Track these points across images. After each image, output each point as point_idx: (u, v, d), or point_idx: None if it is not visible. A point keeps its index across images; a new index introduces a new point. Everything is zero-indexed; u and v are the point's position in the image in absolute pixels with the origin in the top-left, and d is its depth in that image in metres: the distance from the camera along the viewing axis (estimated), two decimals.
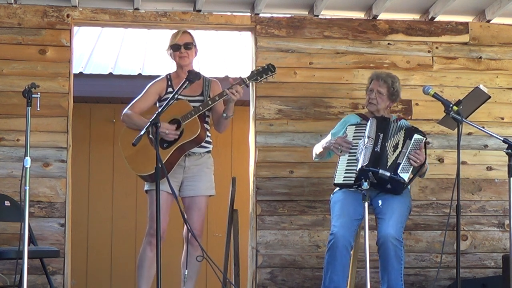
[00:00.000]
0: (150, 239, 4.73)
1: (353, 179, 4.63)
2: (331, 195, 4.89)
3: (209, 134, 4.96)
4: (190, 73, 4.44)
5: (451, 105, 4.30)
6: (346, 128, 4.85)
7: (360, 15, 5.96)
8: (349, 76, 5.81)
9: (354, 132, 4.78)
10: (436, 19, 5.94)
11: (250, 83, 4.99)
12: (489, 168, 5.90)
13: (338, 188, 4.81)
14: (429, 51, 5.95)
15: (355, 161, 4.65)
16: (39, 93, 4.10)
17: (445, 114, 4.38)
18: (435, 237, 5.78)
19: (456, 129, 4.29)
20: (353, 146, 4.71)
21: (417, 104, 5.87)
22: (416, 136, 4.66)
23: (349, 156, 4.72)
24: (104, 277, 8.10)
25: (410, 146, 4.63)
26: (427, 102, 5.70)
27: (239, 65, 8.00)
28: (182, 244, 4.91)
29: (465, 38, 5.99)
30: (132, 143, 4.06)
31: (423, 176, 4.97)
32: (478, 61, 5.99)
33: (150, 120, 4.13)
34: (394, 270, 4.49)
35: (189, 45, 4.93)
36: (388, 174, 4.56)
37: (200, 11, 5.73)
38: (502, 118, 5.95)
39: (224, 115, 4.83)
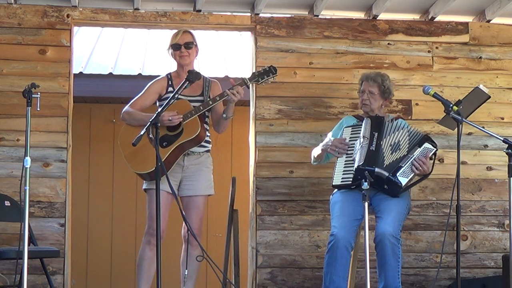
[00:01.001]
0: (150, 238, 4.74)
1: (351, 179, 4.64)
2: (331, 195, 4.89)
3: (209, 134, 4.96)
4: (190, 73, 4.44)
5: (451, 105, 4.30)
6: (343, 130, 4.88)
7: (360, 15, 5.96)
8: (349, 76, 5.81)
9: (351, 134, 4.80)
10: (436, 19, 5.94)
11: (251, 84, 5.00)
12: (489, 168, 5.90)
13: (337, 189, 4.82)
14: (429, 51, 5.95)
15: (353, 161, 4.67)
16: (39, 93, 4.10)
17: (445, 114, 4.39)
18: (435, 237, 5.78)
19: (456, 129, 4.30)
20: (349, 147, 4.74)
21: (417, 104, 5.87)
22: (426, 144, 4.66)
23: (346, 157, 4.74)
24: (104, 277, 8.10)
25: (417, 153, 4.63)
26: (427, 102, 5.70)
27: (239, 65, 8.01)
28: (181, 243, 4.91)
29: (465, 38, 5.99)
30: (132, 143, 4.07)
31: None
32: (478, 61, 5.99)
33: (150, 120, 4.14)
34: (391, 268, 4.49)
35: (190, 45, 4.94)
36: (386, 174, 4.57)
37: (200, 11, 5.73)
38: (502, 118, 5.94)
39: (224, 115, 4.84)
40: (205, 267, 5.11)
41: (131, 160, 4.78)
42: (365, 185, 4.18)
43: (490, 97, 5.04)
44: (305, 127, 5.75)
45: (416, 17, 6.03)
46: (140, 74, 7.68)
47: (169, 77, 5.01)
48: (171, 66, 5.17)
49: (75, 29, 5.91)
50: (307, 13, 5.91)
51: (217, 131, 4.99)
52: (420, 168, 4.61)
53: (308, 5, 5.85)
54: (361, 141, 4.66)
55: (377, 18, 5.90)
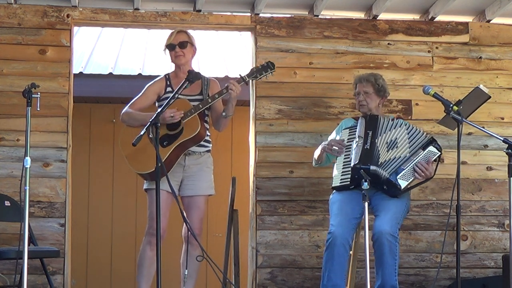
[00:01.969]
0: (150, 238, 4.74)
1: (349, 179, 4.65)
2: (330, 196, 4.90)
3: (209, 134, 4.96)
4: (190, 74, 4.44)
5: (451, 105, 4.30)
6: (342, 132, 4.89)
7: (360, 15, 5.96)
8: (349, 76, 5.80)
9: (349, 135, 4.83)
10: (436, 19, 5.94)
11: (250, 81, 4.99)
12: (489, 168, 5.90)
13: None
14: (429, 51, 5.95)
15: (350, 162, 4.68)
16: (39, 93, 4.10)
17: (445, 114, 4.38)
18: (435, 237, 5.78)
19: (456, 129, 4.29)
20: (347, 148, 4.75)
21: (417, 104, 5.87)
22: (431, 148, 4.66)
23: (344, 158, 4.76)
24: (104, 277, 8.10)
25: (421, 157, 4.63)
26: (427, 102, 5.70)
27: (239, 65, 8.00)
28: (181, 243, 4.91)
29: (465, 38, 5.99)
30: (132, 143, 4.07)
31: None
32: (478, 61, 5.99)
33: (150, 120, 4.14)
34: (389, 266, 4.49)
35: (184, 44, 4.93)
36: (385, 174, 4.58)
37: (200, 11, 5.73)
38: (502, 118, 5.95)
39: (224, 114, 4.84)
40: (205, 267, 5.10)
41: (132, 160, 4.79)
42: (365, 185, 4.18)
43: (490, 97, 5.04)
44: (305, 127, 5.75)
45: (416, 17, 6.03)
46: (140, 74, 7.69)
47: (167, 77, 5.02)
48: (171, 66, 5.16)
49: (75, 29, 5.91)
50: (307, 13, 5.91)
51: (217, 129, 4.98)
52: (422, 174, 4.61)
53: (308, 5, 5.85)
54: (357, 141, 4.69)
55: (377, 18, 5.91)
